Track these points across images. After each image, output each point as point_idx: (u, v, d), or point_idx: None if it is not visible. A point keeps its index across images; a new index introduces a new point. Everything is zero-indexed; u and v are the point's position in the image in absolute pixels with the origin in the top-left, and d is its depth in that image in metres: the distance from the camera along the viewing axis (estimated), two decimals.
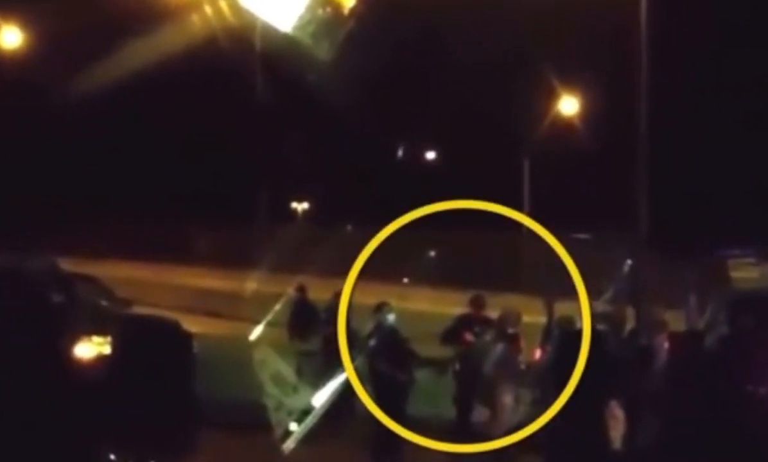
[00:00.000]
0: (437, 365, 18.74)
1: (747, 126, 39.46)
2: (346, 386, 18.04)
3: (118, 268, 35.51)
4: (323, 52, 9.69)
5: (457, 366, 18.28)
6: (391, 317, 17.40)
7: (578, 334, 16.09)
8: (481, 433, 17.60)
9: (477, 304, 19.08)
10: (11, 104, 45.54)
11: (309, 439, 16.92)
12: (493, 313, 18.66)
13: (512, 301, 22.58)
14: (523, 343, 18.01)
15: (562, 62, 41.13)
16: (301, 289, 26.04)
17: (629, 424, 15.82)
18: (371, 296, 23.14)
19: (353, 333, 19.37)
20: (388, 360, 16.89)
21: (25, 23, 40.41)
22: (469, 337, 18.28)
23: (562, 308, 18.60)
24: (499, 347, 16.94)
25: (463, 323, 18.78)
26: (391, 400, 16.78)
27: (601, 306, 19.80)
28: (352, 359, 17.75)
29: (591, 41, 37.46)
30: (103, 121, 47.66)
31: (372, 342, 17.33)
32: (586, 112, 43.54)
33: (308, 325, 23.55)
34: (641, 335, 18.28)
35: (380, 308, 17.59)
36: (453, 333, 18.62)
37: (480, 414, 17.76)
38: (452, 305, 20.43)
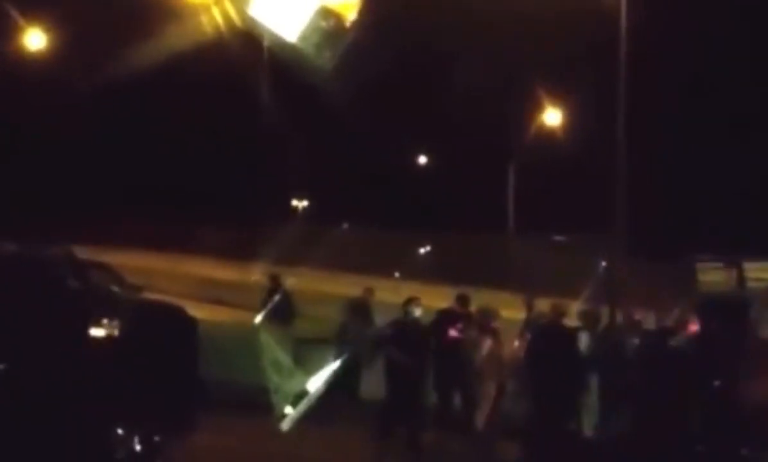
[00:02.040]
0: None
1: (721, 139, 39.61)
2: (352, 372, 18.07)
3: (129, 258, 35.55)
4: (326, 61, 9.81)
5: (437, 357, 18.28)
6: (417, 311, 17.16)
7: (549, 328, 16.32)
8: (463, 420, 17.77)
9: (462, 301, 19.18)
10: (32, 104, 45.69)
11: (312, 420, 16.95)
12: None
13: (497, 297, 22.70)
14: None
15: (548, 76, 41.28)
16: (274, 278, 26.11)
17: (602, 413, 16.00)
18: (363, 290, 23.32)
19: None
20: (404, 350, 16.71)
21: (49, 26, 40.54)
22: (453, 332, 18.31)
23: (540, 305, 18.76)
24: (487, 341, 17.02)
25: (444, 318, 18.86)
26: (403, 386, 16.66)
27: (581, 305, 19.99)
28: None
29: (575, 57, 37.64)
30: (116, 120, 47.72)
31: (389, 331, 17.15)
32: (569, 123, 43.69)
33: (282, 311, 23.68)
34: (615, 332, 18.48)
35: (409, 302, 17.32)
36: (436, 326, 18.64)
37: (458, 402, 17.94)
38: (441, 299, 20.48)
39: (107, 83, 40.96)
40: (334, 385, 17.73)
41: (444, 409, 18.46)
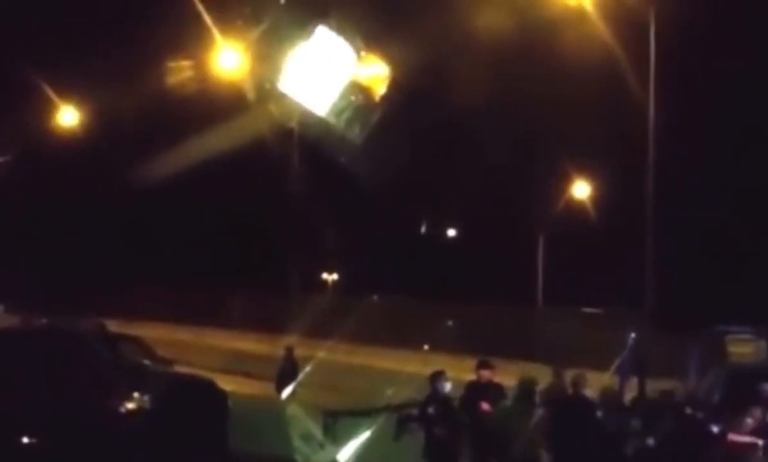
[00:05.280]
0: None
1: (748, 213, 39.50)
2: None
3: (158, 330, 35.64)
4: (355, 135, 9.89)
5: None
6: (447, 386, 17.00)
7: (568, 400, 16.17)
8: None
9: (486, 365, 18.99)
10: (63, 179, 46.13)
11: None
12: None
13: (527, 368, 22.60)
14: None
15: (577, 150, 41.41)
16: (289, 349, 26.45)
17: None
18: (392, 361, 23.26)
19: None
20: (444, 426, 16.55)
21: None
22: (485, 406, 17.99)
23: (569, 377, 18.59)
24: (539, 412, 16.72)
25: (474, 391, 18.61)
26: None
27: (610, 377, 19.90)
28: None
29: (604, 133, 37.82)
30: (150, 200, 47.99)
31: (430, 409, 16.88)
32: (598, 196, 43.77)
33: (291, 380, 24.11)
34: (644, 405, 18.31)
35: (437, 377, 17.17)
36: (468, 400, 18.36)
37: None
38: (471, 371, 20.35)
39: (137, 158, 41.38)
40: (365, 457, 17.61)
41: None
